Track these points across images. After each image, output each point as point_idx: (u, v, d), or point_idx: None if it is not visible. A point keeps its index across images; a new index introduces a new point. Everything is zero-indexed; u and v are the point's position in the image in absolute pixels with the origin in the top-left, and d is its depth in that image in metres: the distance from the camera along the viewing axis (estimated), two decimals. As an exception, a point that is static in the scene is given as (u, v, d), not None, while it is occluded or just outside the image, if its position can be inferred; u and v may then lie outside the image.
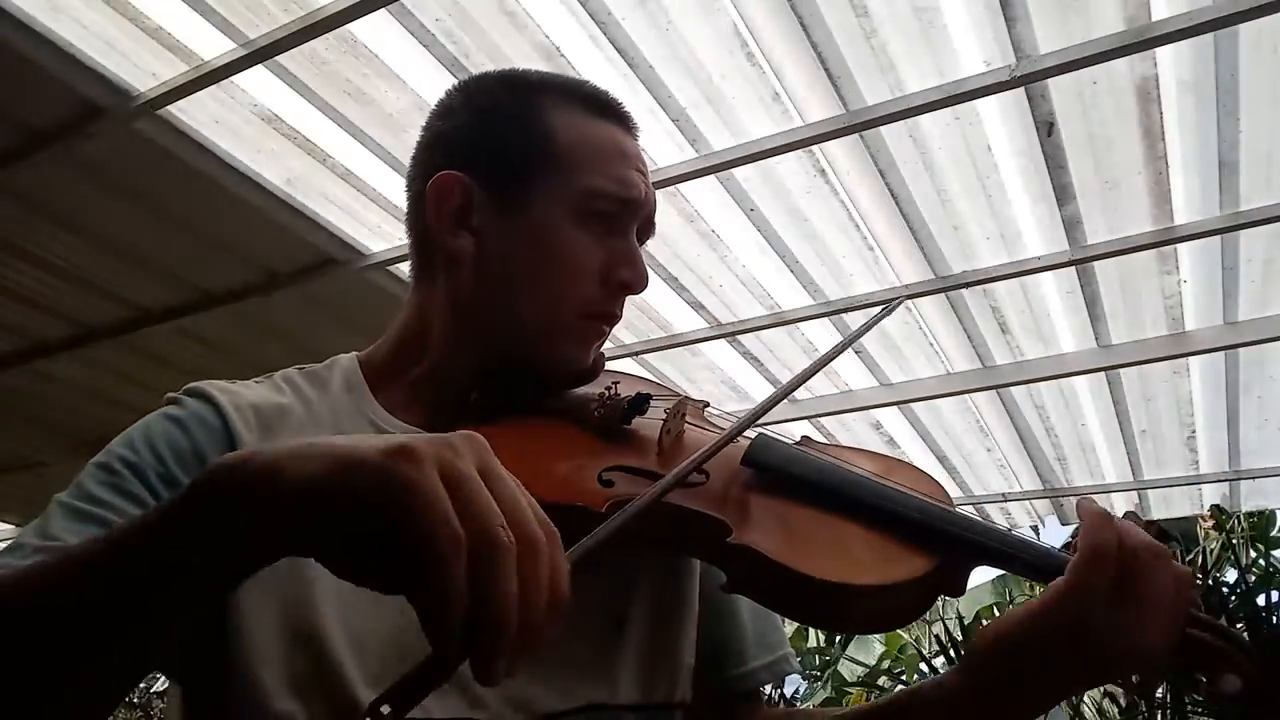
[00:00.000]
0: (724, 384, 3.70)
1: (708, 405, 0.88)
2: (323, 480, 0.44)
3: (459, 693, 0.68)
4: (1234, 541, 4.83)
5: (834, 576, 0.64)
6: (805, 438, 0.83)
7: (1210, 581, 4.53)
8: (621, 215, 0.80)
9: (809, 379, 0.72)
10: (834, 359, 0.78)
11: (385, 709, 0.42)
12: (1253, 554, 5.03)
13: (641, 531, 0.67)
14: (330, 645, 0.66)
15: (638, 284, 0.81)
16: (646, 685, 0.75)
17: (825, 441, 0.82)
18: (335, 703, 0.65)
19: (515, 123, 0.80)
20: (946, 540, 0.68)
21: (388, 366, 0.83)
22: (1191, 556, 5.06)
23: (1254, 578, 4.49)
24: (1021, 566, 0.67)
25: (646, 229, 0.85)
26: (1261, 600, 4.03)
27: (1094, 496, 4.65)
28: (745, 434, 0.76)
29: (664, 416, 0.76)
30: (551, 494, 0.66)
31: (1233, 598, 4.44)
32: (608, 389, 0.78)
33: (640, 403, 0.76)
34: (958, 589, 0.69)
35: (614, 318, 0.82)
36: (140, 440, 0.71)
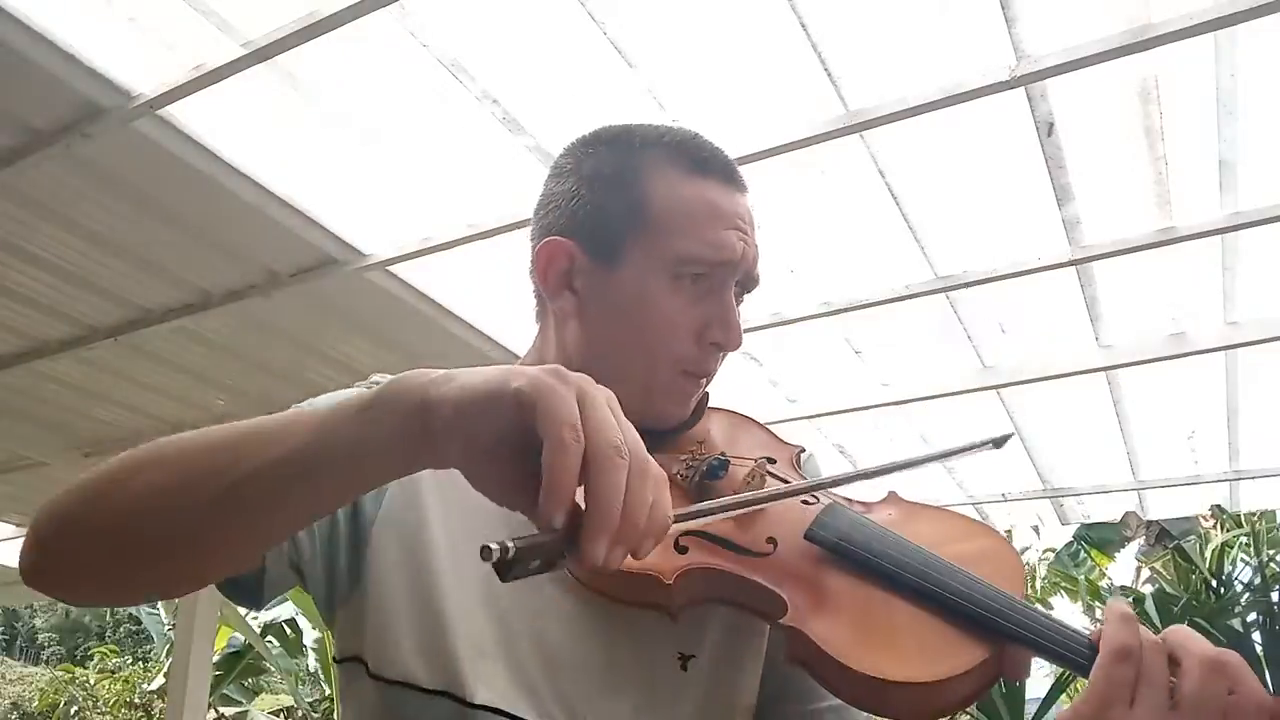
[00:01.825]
0: (724, 384, 3.70)
1: (802, 451, 0.90)
2: (490, 382, 0.54)
3: (531, 699, 0.75)
4: (1258, 540, 4.84)
5: (879, 672, 0.65)
6: (892, 493, 0.84)
7: (1225, 578, 4.55)
8: (715, 275, 0.84)
9: (901, 469, 0.82)
10: (935, 460, 0.83)
11: (509, 545, 0.49)
12: (1256, 556, 5.03)
13: (712, 593, 0.75)
14: (449, 628, 0.75)
15: (730, 344, 0.86)
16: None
17: (911, 501, 0.83)
18: (447, 670, 0.74)
19: (614, 190, 0.85)
20: (1005, 635, 0.66)
21: None
22: (1211, 552, 5.07)
23: (1264, 576, 4.50)
24: (1079, 668, 0.65)
25: (748, 283, 0.88)
26: (1275, 597, 4.05)
27: (1094, 496, 4.67)
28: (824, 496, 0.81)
29: (745, 477, 0.79)
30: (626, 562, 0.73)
31: (1246, 595, 4.45)
32: (691, 451, 0.82)
33: (717, 469, 0.80)
34: (1018, 675, 0.68)
35: (707, 375, 0.88)
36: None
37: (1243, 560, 5.08)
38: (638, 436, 0.55)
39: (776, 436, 0.92)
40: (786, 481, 0.82)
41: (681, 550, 0.74)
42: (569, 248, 0.85)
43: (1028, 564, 10.00)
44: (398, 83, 2.32)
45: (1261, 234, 2.67)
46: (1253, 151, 2.39)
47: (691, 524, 0.70)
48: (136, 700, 10.95)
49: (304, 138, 2.48)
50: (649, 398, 0.84)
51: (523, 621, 0.78)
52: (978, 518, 5.55)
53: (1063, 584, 9.32)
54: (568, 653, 0.77)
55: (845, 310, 3.09)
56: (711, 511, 0.65)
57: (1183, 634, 0.64)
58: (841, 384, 3.68)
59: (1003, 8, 2.02)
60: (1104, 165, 2.47)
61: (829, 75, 2.21)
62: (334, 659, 0.84)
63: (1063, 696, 5.36)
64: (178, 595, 0.73)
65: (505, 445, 0.54)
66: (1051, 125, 2.32)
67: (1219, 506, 4.82)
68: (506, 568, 0.50)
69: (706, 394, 0.90)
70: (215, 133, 2.43)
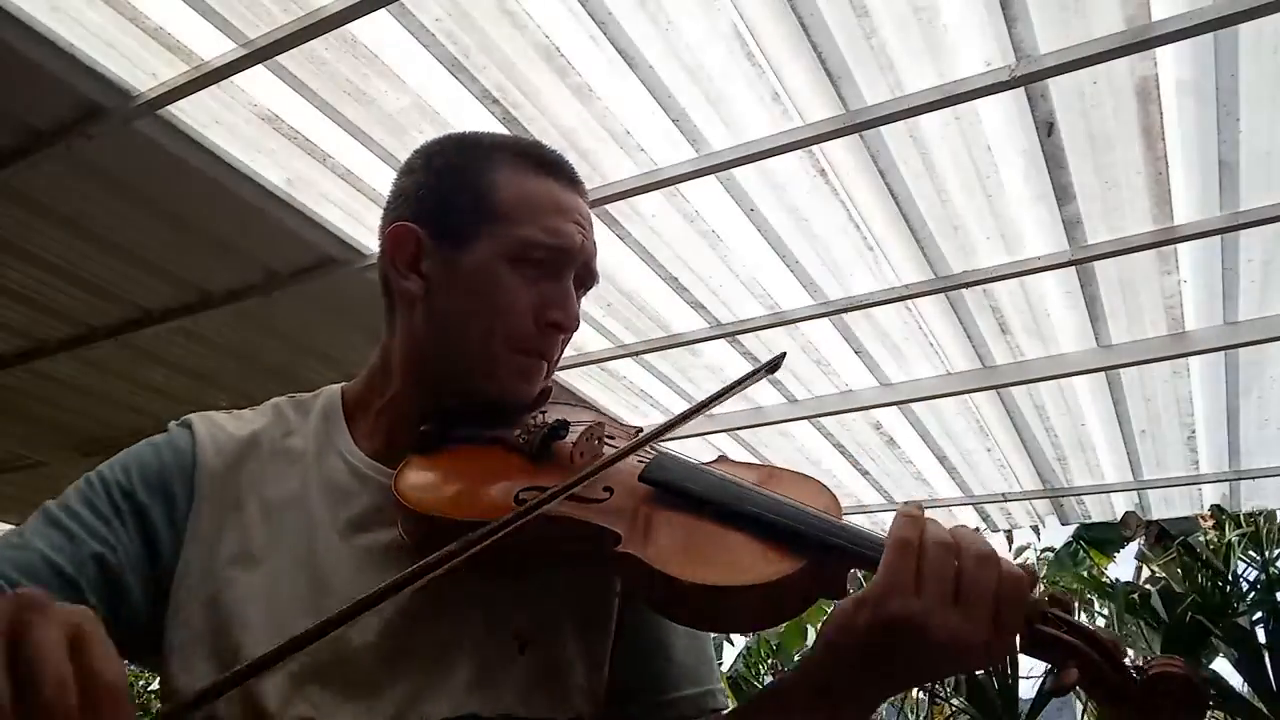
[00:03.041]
0: (724, 384, 3.70)
1: (640, 430, 0.93)
2: None
3: (355, 700, 0.75)
4: (1263, 539, 4.83)
5: (702, 579, 0.70)
6: (722, 456, 0.89)
7: (1231, 577, 4.54)
8: (555, 262, 0.88)
9: (691, 418, 0.86)
10: (715, 403, 0.86)
11: None
12: (1261, 555, 5.02)
13: (546, 542, 0.78)
14: (246, 653, 0.75)
15: (568, 325, 0.89)
16: (528, 699, 0.79)
17: (739, 460, 0.89)
18: (249, 705, 0.74)
19: (462, 179, 0.89)
20: (815, 544, 0.72)
21: (361, 398, 0.94)
22: (1216, 549, 5.06)
23: (1269, 575, 4.50)
24: None
25: (586, 277, 0.93)
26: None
27: (1094, 496, 4.66)
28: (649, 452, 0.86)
29: (581, 438, 0.84)
30: (463, 512, 0.77)
31: (1251, 594, 4.45)
32: (533, 417, 0.87)
33: (558, 428, 0.85)
34: (838, 589, 0.74)
35: (548, 354, 0.90)
36: (120, 461, 0.85)
37: (1242, 560, 5.08)
38: (50, 653, 0.45)
39: (612, 418, 0.97)
40: (616, 446, 0.87)
41: (520, 502, 0.78)
42: (416, 233, 0.89)
43: (1023, 564, 9.98)
44: (398, 82, 2.32)
45: (1261, 234, 2.67)
46: (1253, 151, 2.39)
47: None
48: (135, 700, 10.97)
49: (304, 138, 2.48)
50: (492, 373, 0.87)
51: (362, 624, 0.77)
52: (977, 518, 5.54)
53: (1061, 584, 9.31)
54: (406, 636, 0.78)
55: (845, 310, 3.09)
56: (544, 503, 0.69)
57: (963, 532, 0.70)
58: (841, 384, 3.68)
59: (1003, 8, 2.02)
60: (1104, 165, 2.47)
61: (829, 75, 2.21)
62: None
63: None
64: None
65: None
66: (1051, 125, 2.32)
67: (1219, 506, 4.81)
68: None
69: (550, 386, 0.93)
70: (215, 133, 2.43)
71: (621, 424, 0.95)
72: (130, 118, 2.30)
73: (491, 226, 0.87)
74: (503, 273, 0.86)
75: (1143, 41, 2.01)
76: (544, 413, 0.89)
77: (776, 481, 0.83)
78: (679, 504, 0.79)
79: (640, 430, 0.92)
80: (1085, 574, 8.93)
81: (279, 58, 2.17)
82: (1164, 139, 2.36)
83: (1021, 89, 2.20)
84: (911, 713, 6.73)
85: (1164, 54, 2.13)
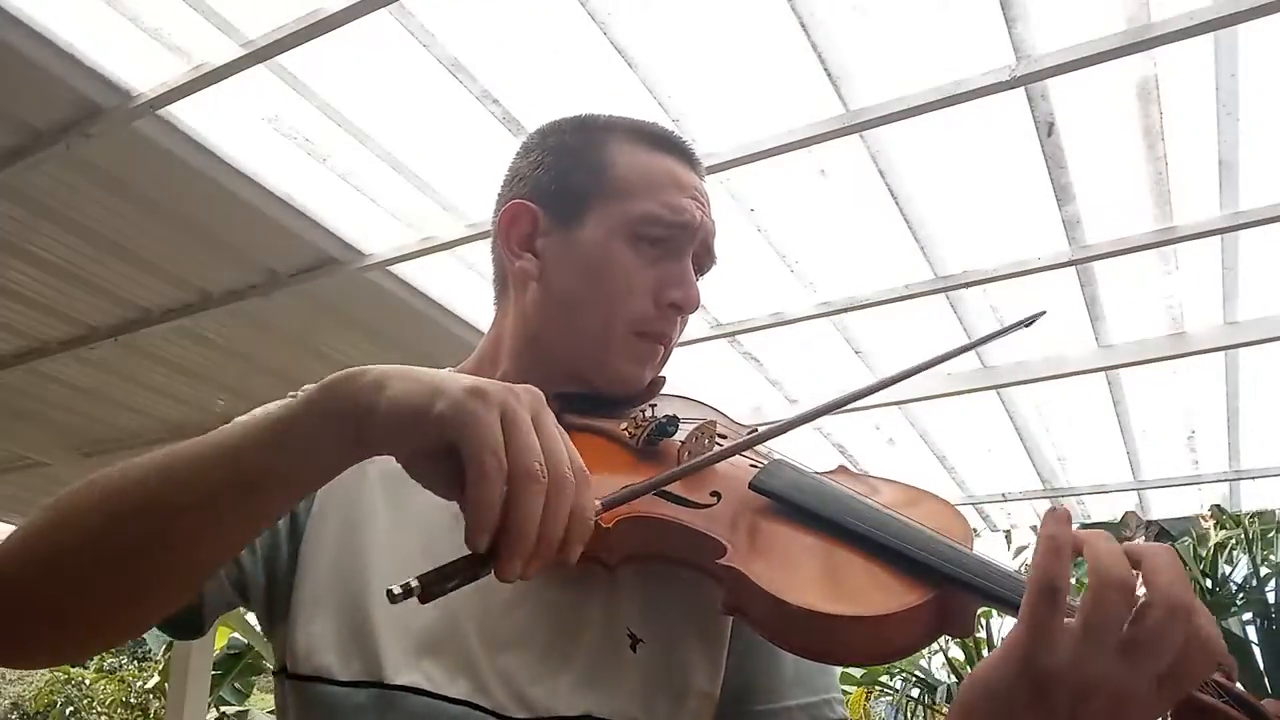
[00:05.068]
0: (724, 384, 3.70)
1: (755, 430, 0.87)
2: (415, 399, 0.57)
3: (469, 678, 0.74)
4: (1249, 539, 4.84)
5: (813, 604, 0.64)
6: (841, 467, 0.83)
7: (1219, 577, 4.56)
8: (674, 239, 0.86)
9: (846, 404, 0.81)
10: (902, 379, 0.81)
11: (415, 584, 0.53)
12: (1260, 553, 5.04)
13: (651, 545, 0.74)
14: (373, 617, 0.76)
15: (688, 305, 0.87)
16: (647, 703, 0.76)
17: (859, 472, 0.82)
18: (366, 661, 0.74)
19: (579, 156, 0.88)
20: (944, 578, 0.64)
21: None
22: (1207, 551, 5.06)
23: (1259, 576, 4.51)
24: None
25: (705, 257, 0.90)
26: (1271, 598, 4.05)
27: (1094, 496, 4.66)
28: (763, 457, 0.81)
29: (691, 436, 0.79)
30: None
31: (1241, 595, 4.46)
32: (642, 410, 0.82)
33: (667, 425, 0.80)
34: (963, 629, 0.66)
35: (666, 337, 0.88)
36: None
37: (1238, 561, 5.09)
38: (557, 439, 0.58)
39: (728, 417, 0.91)
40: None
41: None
42: (532, 210, 0.87)
43: (1025, 564, 9.99)
44: (397, 83, 2.32)
45: (1261, 234, 2.67)
46: (1253, 151, 2.39)
47: (622, 507, 0.69)
48: (133, 700, 10.94)
49: (304, 138, 2.48)
50: (606, 357, 0.85)
51: (469, 602, 0.75)
52: (978, 518, 5.55)
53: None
54: (511, 629, 0.77)
55: (845, 310, 3.09)
56: (642, 491, 0.68)
57: (1151, 554, 0.56)
58: (841, 384, 3.68)
59: (1003, 8, 2.02)
60: (1104, 165, 2.47)
61: (829, 75, 2.21)
62: (273, 672, 0.84)
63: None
64: (116, 645, 0.75)
65: (437, 449, 0.57)
66: (1051, 125, 2.32)
67: (1219, 506, 4.82)
68: (425, 599, 0.54)
69: (663, 377, 0.91)
70: (215, 133, 2.43)
71: (738, 424, 0.89)
72: (130, 118, 2.30)
73: (609, 202, 0.85)
74: (620, 251, 0.84)
75: (1143, 41, 2.01)
76: (654, 406, 0.84)
77: (903, 500, 0.76)
78: (792, 517, 0.73)
79: (755, 429, 0.85)
80: (1074, 580, 8.92)
81: (279, 58, 2.17)
82: (1164, 139, 2.36)
83: (1021, 89, 2.20)
84: (909, 714, 6.74)
85: (1164, 54, 2.13)
